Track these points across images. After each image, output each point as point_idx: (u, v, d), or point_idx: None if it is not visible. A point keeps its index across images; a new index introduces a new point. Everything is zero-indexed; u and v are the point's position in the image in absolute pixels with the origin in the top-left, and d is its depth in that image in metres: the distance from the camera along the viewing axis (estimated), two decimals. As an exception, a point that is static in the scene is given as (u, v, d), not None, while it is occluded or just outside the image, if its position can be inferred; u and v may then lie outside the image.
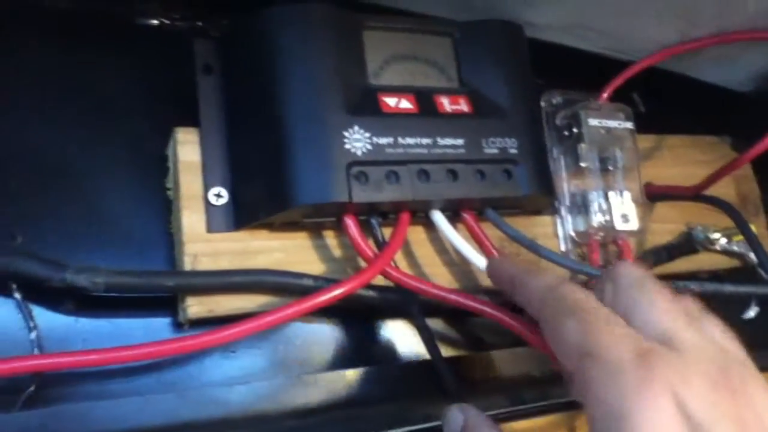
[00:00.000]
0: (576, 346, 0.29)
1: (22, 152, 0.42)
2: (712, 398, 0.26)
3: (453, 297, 0.41)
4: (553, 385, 0.44)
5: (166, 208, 0.44)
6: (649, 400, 0.26)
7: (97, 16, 0.46)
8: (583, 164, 0.50)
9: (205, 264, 0.41)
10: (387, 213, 0.43)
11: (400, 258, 0.46)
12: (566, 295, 0.32)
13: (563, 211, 0.52)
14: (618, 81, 0.53)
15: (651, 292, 0.31)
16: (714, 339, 0.30)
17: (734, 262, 0.58)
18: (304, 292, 0.40)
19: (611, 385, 0.27)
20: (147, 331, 0.42)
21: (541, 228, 0.51)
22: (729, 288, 0.41)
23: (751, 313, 0.57)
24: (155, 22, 0.48)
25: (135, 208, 0.43)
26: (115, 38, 0.47)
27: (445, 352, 0.47)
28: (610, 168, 0.51)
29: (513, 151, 0.44)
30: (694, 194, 0.53)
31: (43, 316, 0.39)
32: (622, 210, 0.51)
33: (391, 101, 0.42)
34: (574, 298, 0.32)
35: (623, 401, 0.26)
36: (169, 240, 0.43)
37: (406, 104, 0.42)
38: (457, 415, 0.35)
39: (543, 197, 0.46)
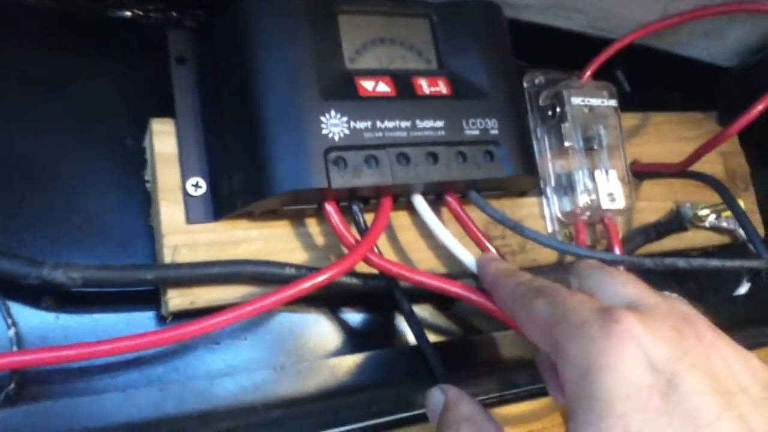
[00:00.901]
0: (546, 319, 0.30)
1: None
2: (677, 345, 0.27)
3: (435, 283, 0.41)
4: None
5: (146, 202, 0.43)
6: (614, 349, 0.26)
7: (70, 10, 0.46)
8: (567, 144, 0.50)
9: (186, 255, 0.40)
10: (368, 198, 0.42)
11: (384, 243, 0.45)
12: (534, 283, 0.34)
13: (549, 192, 0.51)
14: (600, 59, 0.53)
15: (612, 273, 0.32)
16: (677, 303, 0.30)
17: (724, 239, 0.58)
18: (287, 281, 0.40)
19: (578, 341, 0.27)
20: (130, 326, 0.41)
21: (527, 209, 0.51)
22: (715, 262, 0.40)
23: (742, 289, 0.57)
24: (129, 14, 0.47)
25: (115, 202, 0.43)
26: (88, 32, 0.46)
27: (434, 337, 0.47)
28: (595, 147, 0.51)
29: (494, 132, 0.43)
30: (681, 171, 0.53)
31: (22, 313, 0.39)
32: (608, 189, 0.50)
33: (368, 85, 0.41)
34: (541, 284, 0.33)
35: (590, 354, 0.27)
36: (150, 233, 0.43)
37: (383, 87, 0.42)
38: (437, 394, 0.36)
39: (526, 178, 0.45)
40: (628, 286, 0.31)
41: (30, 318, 0.39)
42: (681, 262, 0.39)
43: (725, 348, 0.28)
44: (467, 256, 0.42)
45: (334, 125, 0.39)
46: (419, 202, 0.43)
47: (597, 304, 0.29)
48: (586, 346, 0.27)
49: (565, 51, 0.55)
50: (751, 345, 0.51)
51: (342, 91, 0.41)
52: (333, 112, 0.40)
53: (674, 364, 0.26)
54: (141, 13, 0.48)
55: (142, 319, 0.42)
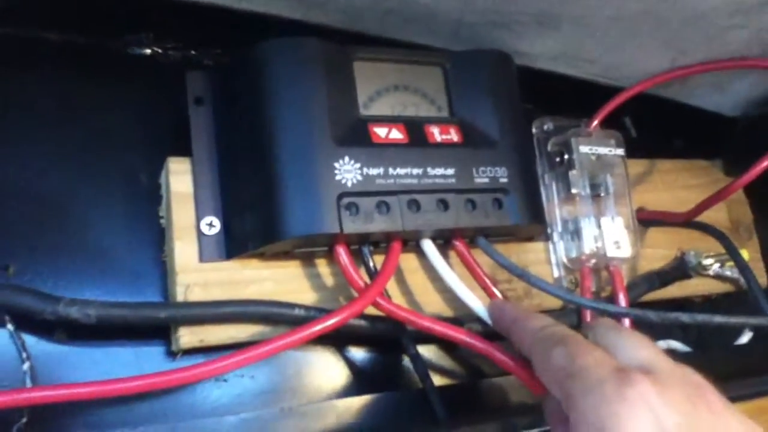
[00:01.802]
0: (562, 369, 0.31)
1: (16, 183, 0.42)
2: (688, 414, 0.28)
3: (442, 329, 0.41)
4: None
5: (159, 237, 0.44)
6: (628, 413, 0.27)
7: (90, 47, 0.47)
8: (574, 191, 0.50)
9: (198, 294, 0.41)
10: (378, 242, 0.43)
11: (392, 286, 0.46)
12: (555, 330, 0.35)
13: (555, 238, 0.52)
14: (609, 107, 0.54)
15: (629, 333, 0.33)
16: (689, 372, 0.31)
17: (727, 287, 0.59)
18: (296, 322, 0.40)
19: (592, 400, 0.28)
20: (139, 360, 0.42)
21: (533, 254, 0.51)
22: (719, 319, 0.41)
23: (744, 339, 0.57)
24: (148, 51, 0.48)
25: (128, 238, 0.44)
26: (107, 68, 0.47)
27: (438, 379, 0.47)
28: (602, 194, 0.52)
29: (503, 180, 0.44)
30: (686, 220, 0.54)
31: (36, 345, 0.40)
32: (614, 237, 0.51)
33: (381, 132, 0.42)
34: (563, 332, 0.34)
35: (603, 414, 0.28)
36: (162, 268, 0.44)
37: (396, 134, 0.43)
38: None
39: (534, 226, 0.46)
40: (643, 350, 0.32)
41: (42, 350, 0.40)
42: (684, 317, 0.40)
43: (733, 420, 0.29)
44: (475, 302, 0.43)
45: (348, 171, 0.40)
46: (429, 247, 0.44)
47: (614, 363, 0.30)
48: (601, 405, 0.28)
49: (573, 97, 0.56)
50: (752, 394, 0.51)
51: (356, 137, 0.41)
52: (347, 158, 0.40)
53: (680, 428, 0.27)
54: (160, 51, 0.49)
55: (152, 354, 0.42)
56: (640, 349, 0.32)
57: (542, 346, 0.34)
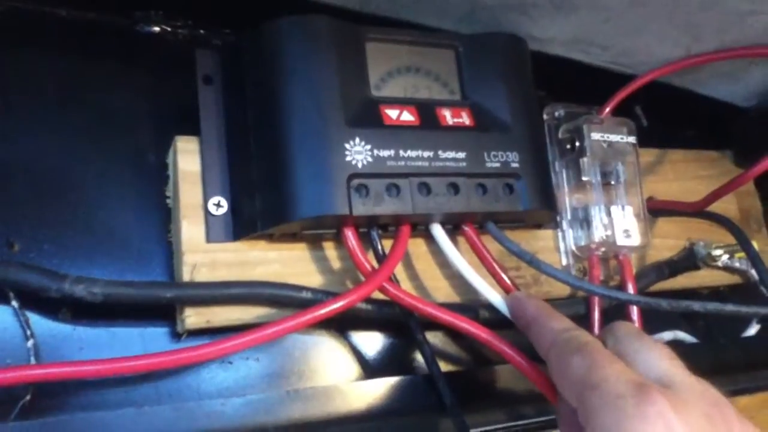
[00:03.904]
0: (580, 379, 0.31)
1: (22, 161, 0.42)
2: (705, 430, 0.28)
3: (447, 318, 0.41)
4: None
5: (166, 217, 0.44)
6: (645, 427, 0.27)
7: (98, 24, 0.46)
8: (585, 178, 0.50)
9: (204, 274, 0.41)
10: (387, 225, 0.43)
11: (400, 271, 0.45)
12: (575, 336, 0.34)
13: (565, 225, 0.51)
14: (621, 95, 0.53)
15: (650, 343, 0.33)
16: (708, 387, 0.31)
17: (736, 279, 0.58)
18: (303, 304, 0.40)
19: (611, 415, 0.28)
20: (144, 340, 0.42)
21: (542, 242, 0.51)
22: (730, 308, 0.40)
23: (752, 330, 0.57)
24: (157, 29, 0.48)
25: (134, 217, 0.43)
26: (116, 46, 0.47)
27: (445, 365, 0.47)
28: (612, 182, 0.51)
29: (515, 165, 0.44)
30: (697, 210, 0.53)
31: (40, 324, 0.39)
32: (623, 225, 0.50)
33: (392, 113, 0.42)
34: (583, 339, 0.34)
35: (621, 428, 0.28)
36: (168, 249, 0.43)
37: (407, 116, 0.42)
38: None
39: (544, 212, 0.46)
40: (664, 361, 0.32)
41: (47, 329, 0.39)
42: (696, 306, 0.40)
43: None
44: (485, 288, 0.43)
45: (358, 152, 0.40)
46: (438, 232, 0.43)
47: (633, 377, 0.30)
48: (619, 421, 0.28)
49: (586, 84, 0.55)
50: (758, 387, 0.51)
51: (367, 118, 0.41)
52: (357, 140, 0.40)
53: None
54: (169, 29, 0.48)
55: (157, 335, 0.42)
56: (660, 360, 0.32)
57: (561, 352, 0.34)
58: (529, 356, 0.40)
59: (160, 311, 0.41)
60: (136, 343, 0.41)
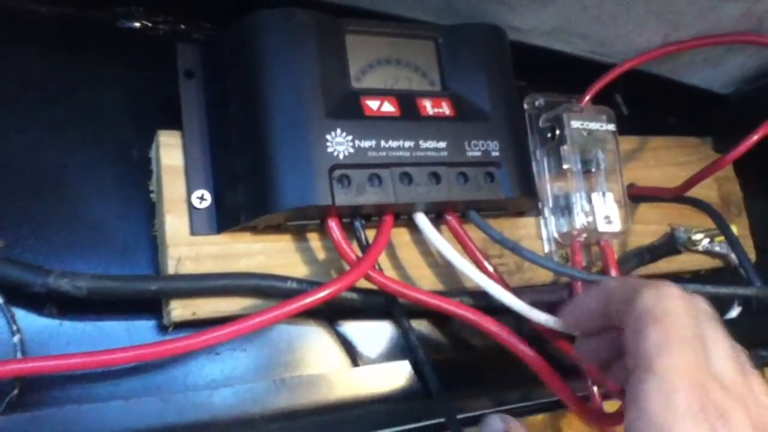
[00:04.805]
0: (647, 353, 0.30)
1: (5, 156, 0.42)
2: None
3: (433, 301, 0.42)
4: (537, 386, 0.45)
5: (150, 211, 0.44)
6: (692, 427, 0.28)
7: (79, 19, 0.46)
8: (565, 166, 0.50)
9: (189, 267, 0.41)
10: (370, 215, 0.43)
11: (384, 260, 0.46)
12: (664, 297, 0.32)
13: (546, 213, 0.52)
14: (600, 84, 0.54)
15: (725, 337, 0.33)
16: (759, 397, 0.31)
17: (716, 263, 0.59)
18: (288, 295, 0.40)
19: (662, 403, 0.29)
20: (131, 334, 0.42)
21: (524, 229, 0.52)
22: (709, 289, 0.41)
23: (733, 313, 0.57)
24: (138, 25, 0.48)
25: (118, 211, 0.44)
26: (97, 41, 0.47)
27: (430, 353, 0.47)
28: (593, 170, 0.52)
29: (495, 154, 0.44)
30: (676, 195, 0.54)
31: (26, 319, 0.39)
32: (604, 212, 0.51)
33: (373, 104, 0.42)
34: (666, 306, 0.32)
35: (669, 422, 0.28)
36: (154, 243, 0.43)
37: (388, 107, 0.43)
38: (497, 422, 0.37)
39: (526, 199, 0.46)
40: (731, 363, 0.31)
41: (33, 324, 0.40)
42: (675, 288, 0.40)
43: None
44: (473, 271, 0.43)
45: (339, 144, 0.40)
46: (422, 220, 0.44)
47: (694, 375, 0.29)
48: (669, 412, 0.28)
49: (565, 73, 0.56)
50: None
51: (348, 110, 0.41)
52: (339, 131, 0.40)
53: None
54: (150, 24, 0.48)
55: (144, 328, 0.42)
56: (729, 360, 0.31)
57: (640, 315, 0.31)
58: (516, 335, 0.40)
59: (146, 305, 0.42)
60: (123, 337, 0.42)
